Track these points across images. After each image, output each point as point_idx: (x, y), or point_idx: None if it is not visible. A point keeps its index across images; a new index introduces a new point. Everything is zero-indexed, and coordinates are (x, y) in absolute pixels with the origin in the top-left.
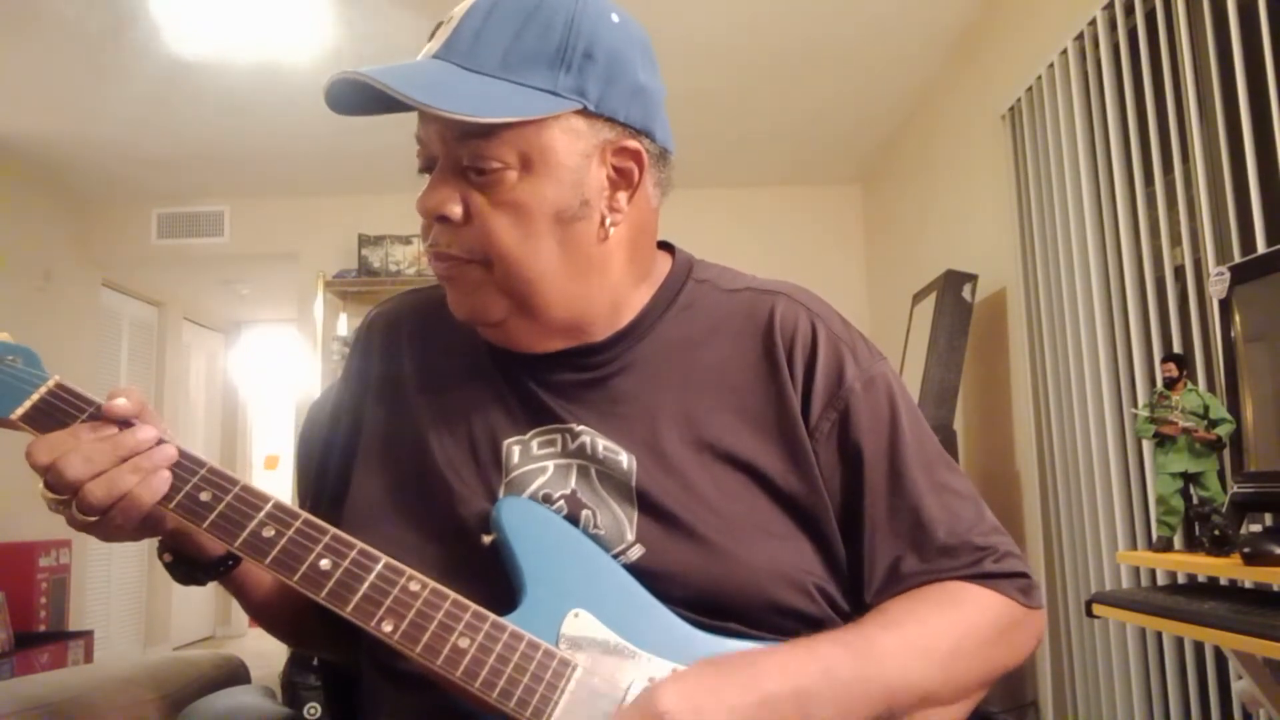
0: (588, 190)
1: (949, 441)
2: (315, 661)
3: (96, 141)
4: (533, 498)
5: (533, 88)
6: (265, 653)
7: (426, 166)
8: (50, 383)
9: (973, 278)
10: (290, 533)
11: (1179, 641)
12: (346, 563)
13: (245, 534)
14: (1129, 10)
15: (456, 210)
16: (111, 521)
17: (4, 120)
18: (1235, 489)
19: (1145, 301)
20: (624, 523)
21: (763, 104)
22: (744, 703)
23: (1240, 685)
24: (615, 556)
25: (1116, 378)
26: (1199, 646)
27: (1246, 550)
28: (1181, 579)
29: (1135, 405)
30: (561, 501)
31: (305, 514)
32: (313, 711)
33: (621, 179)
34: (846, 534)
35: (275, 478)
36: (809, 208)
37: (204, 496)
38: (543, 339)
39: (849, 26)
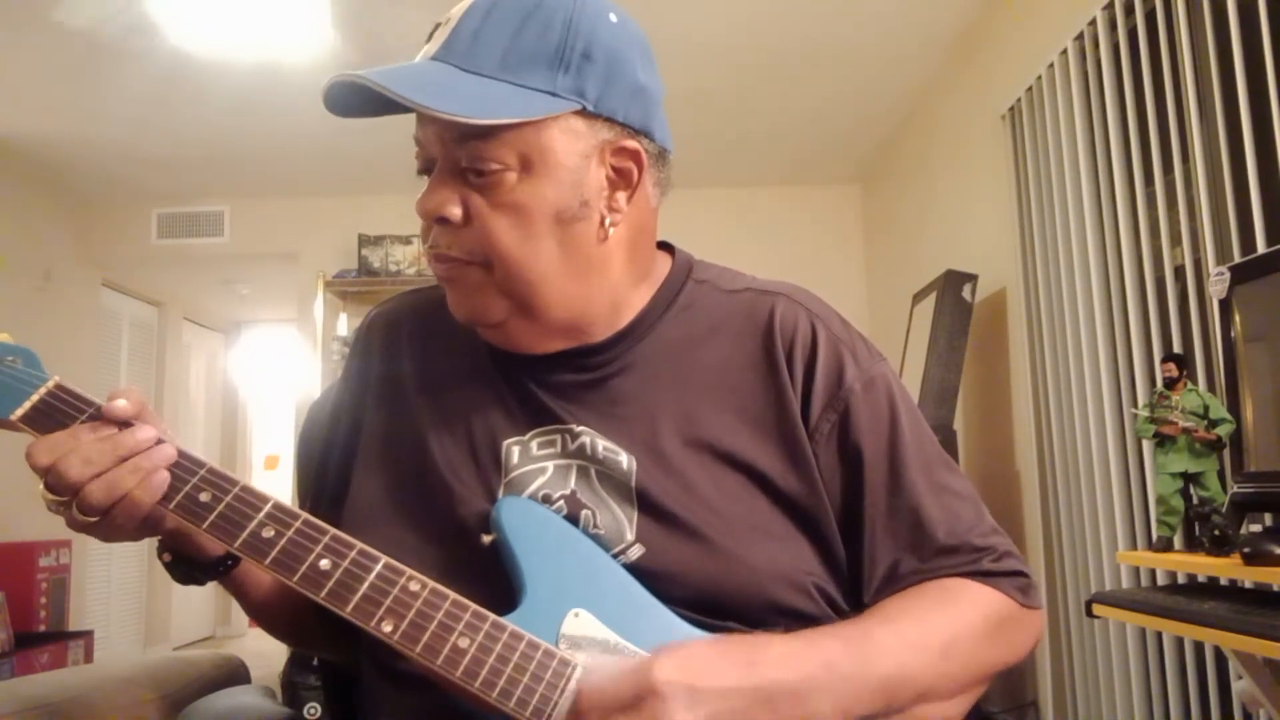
0: (587, 190)
1: (949, 441)
2: (315, 661)
3: (96, 141)
4: (532, 498)
5: (531, 88)
6: (265, 653)
7: (425, 168)
8: (50, 384)
9: (973, 278)
10: (290, 533)
11: (1179, 641)
12: (346, 563)
13: (245, 534)
14: (1129, 10)
15: (456, 212)
16: (112, 522)
17: (4, 120)
18: (1235, 489)
19: (1145, 301)
20: (624, 523)
21: (762, 104)
22: (740, 687)
23: (1240, 685)
24: (615, 556)
25: (1116, 378)
26: (1199, 646)
27: (1246, 550)
28: (1181, 579)
29: (1135, 405)
30: (561, 502)
31: (305, 514)
32: (313, 711)
33: (621, 179)
34: (846, 534)
35: (275, 478)
36: (809, 207)
37: (204, 497)
38: (543, 340)
39: (849, 26)
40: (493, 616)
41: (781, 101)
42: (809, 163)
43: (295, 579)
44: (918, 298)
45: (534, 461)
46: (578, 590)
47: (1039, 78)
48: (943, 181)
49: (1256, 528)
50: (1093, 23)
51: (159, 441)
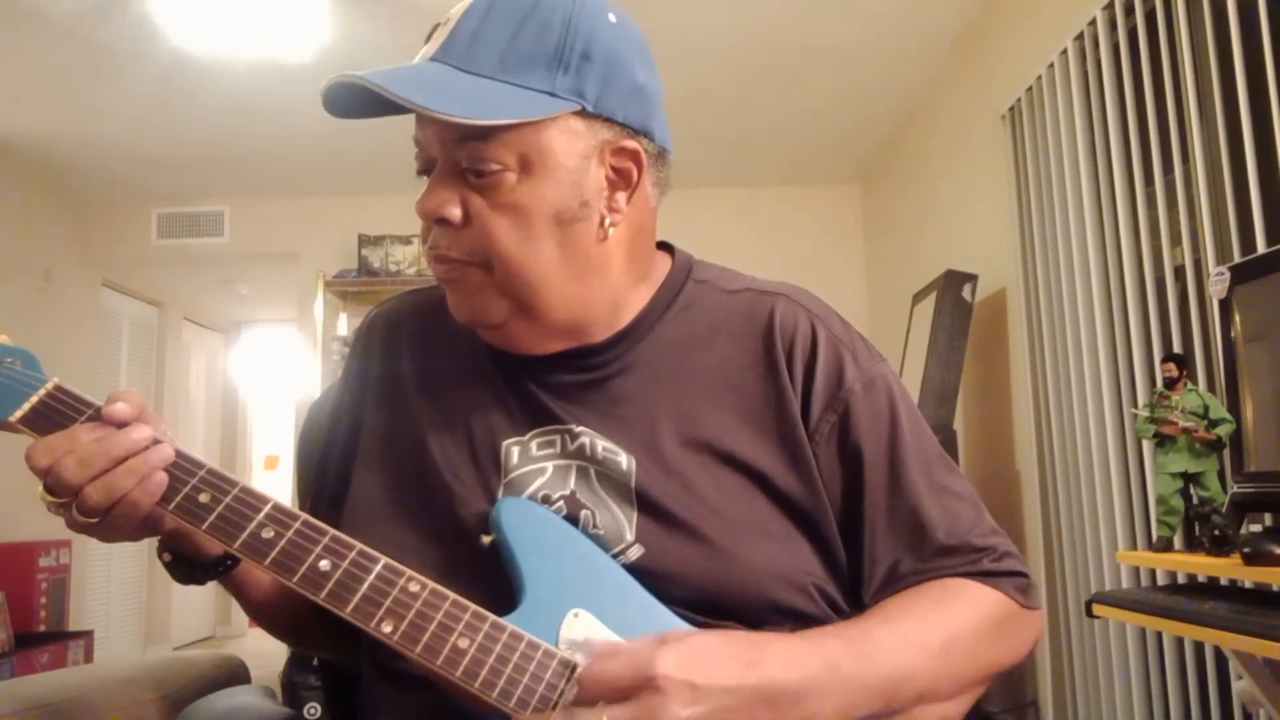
0: (587, 191)
1: (949, 441)
2: (315, 661)
3: (96, 141)
4: (532, 498)
5: (531, 89)
6: (265, 653)
7: (425, 169)
8: (49, 385)
9: (973, 278)
10: (289, 534)
11: (1179, 641)
12: (346, 564)
13: (245, 535)
14: (1129, 10)
15: (456, 212)
16: (111, 523)
17: (4, 120)
18: (1235, 489)
19: (1145, 301)
20: (623, 523)
21: (762, 104)
22: (741, 686)
23: (1240, 685)
24: (614, 557)
25: (1116, 378)
26: (1199, 646)
27: (1246, 550)
28: (1181, 579)
29: (1135, 405)
30: (560, 502)
31: (304, 515)
32: (313, 711)
33: (620, 179)
34: (846, 535)
35: (275, 478)
36: (808, 207)
37: (203, 498)
38: (543, 340)
39: (849, 26)
40: (492, 617)
41: (781, 101)
42: (809, 163)
43: (295, 580)
44: (918, 298)
45: (533, 462)
46: (577, 591)
47: (1039, 78)
48: (943, 181)
49: (1256, 528)
50: (1093, 23)
51: (156, 442)
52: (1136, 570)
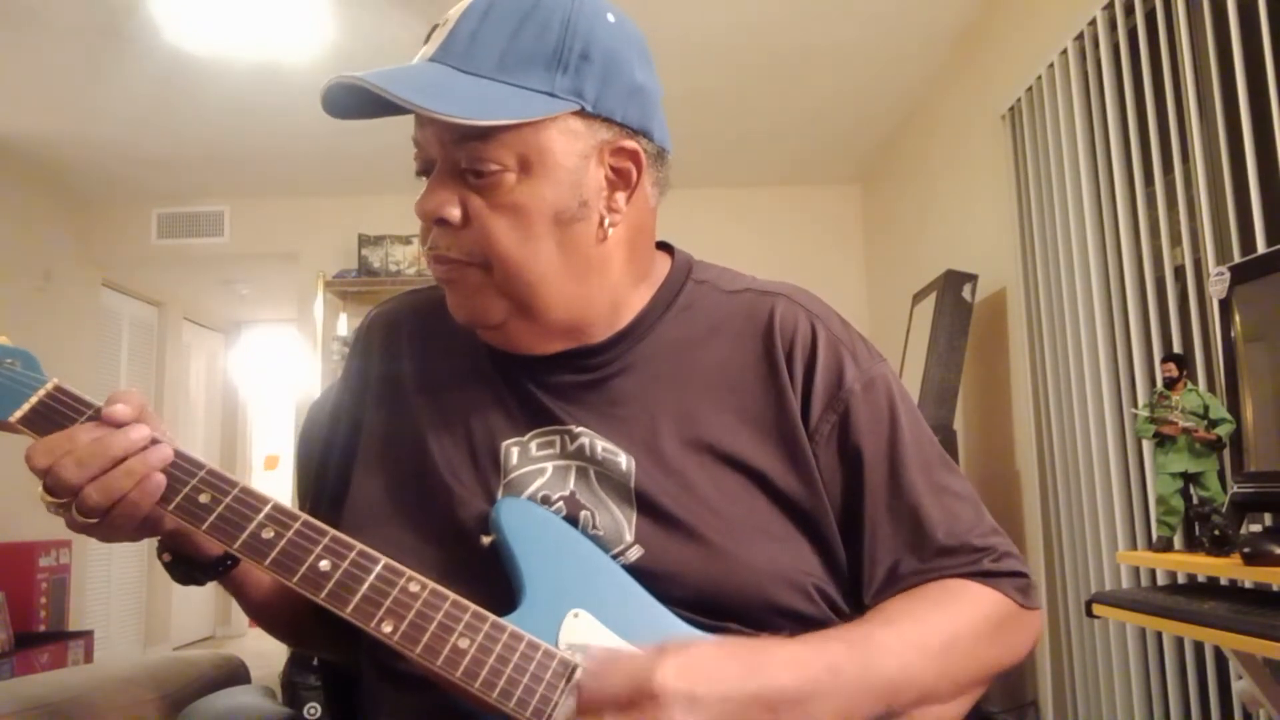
0: (586, 191)
1: (949, 441)
2: (315, 661)
3: (96, 141)
4: (531, 499)
5: (530, 89)
6: (265, 653)
7: (424, 169)
8: (49, 385)
9: (973, 278)
10: (289, 534)
11: (1179, 641)
12: (346, 564)
13: (245, 535)
14: (1129, 10)
15: (455, 213)
16: (111, 524)
17: (4, 120)
18: (1235, 489)
19: (1145, 301)
20: (623, 524)
21: (762, 104)
22: (742, 692)
23: (1240, 685)
24: (614, 557)
25: (1116, 378)
26: (1199, 646)
27: (1246, 550)
28: (1181, 579)
29: (1135, 405)
30: (560, 503)
31: (304, 515)
32: (313, 711)
33: (620, 179)
34: (846, 535)
35: (275, 478)
36: (808, 207)
37: (203, 498)
38: (542, 341)
39: (849, 26)
40: (493, 617)
41: (781, 101)
42: (809, 163)
43: (295, 580)
44: (918, 298)
45: (533, 462)
46: (577, 591)
47: (1039, 78)
48: (943, 181)
49: (1256, 528)
50: (1093, 23)
51: (154, 442)
52: (1136, 570)
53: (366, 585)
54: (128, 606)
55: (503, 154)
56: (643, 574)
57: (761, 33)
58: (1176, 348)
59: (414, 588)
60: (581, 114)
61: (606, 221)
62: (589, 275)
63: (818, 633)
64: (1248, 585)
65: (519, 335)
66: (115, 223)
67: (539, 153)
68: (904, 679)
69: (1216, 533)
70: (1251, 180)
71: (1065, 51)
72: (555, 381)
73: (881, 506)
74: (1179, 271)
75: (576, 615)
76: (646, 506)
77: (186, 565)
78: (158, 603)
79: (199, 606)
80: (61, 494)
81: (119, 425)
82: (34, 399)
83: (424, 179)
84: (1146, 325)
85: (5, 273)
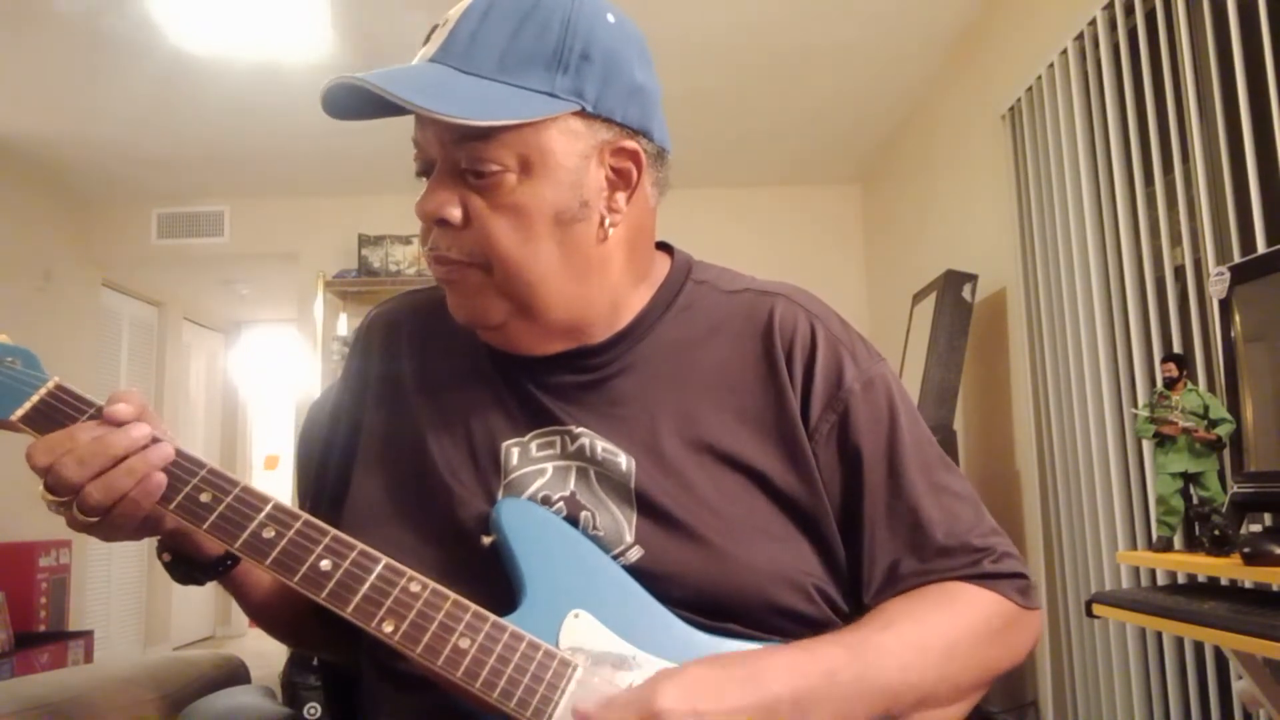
0: (586, 191)
1: (949, 441)
2: (315, 661)
3: (96, 141)
4: (531, 499)
5: (530, 89)
6: (265, 653)
7: (424, 170)
8: (50, 384)
9: (973, 278)
10: (290, 534)
11: (1179, 641)
12: (347, 564)
13: (245, 535)
14: (1129, 10)
15: (455, 213)
16: (112, 523)
17: (4, 120)
18: (1235, 489)
19: (1145, 301)
20: (623, 524)
21: (762, 104)
22: (744, 705)
23: (1240, 685)
24: (614, 558)
25: (1116, 378)
26: (1199, 646)
27: (1246, 550)
28: (1181, 579)
29: (1135, 405)
30: (560, 503)
31: (305, 515)
32: (313, 711)
33: (620, 179)
34: (845, 535)
35: (275, 478)
36: (808, 207)
37: (204, 498)
38: (542, 341)
39: (849, 26)
40: (493, 617)
41: (781, 101)
42: (809, 163)
43: (296, 579)
44: (918, 298)
45: (533, 463)
46: (577, 591)
47: (1039, 78)
48: (943, 181)
49: (1256, 528)
50: (1093, 23)
51: (155, 441)
52: (1136, 570)
53: (367, 585)
54: (128, 606)
55: (503, 154)
56: (643, 574)
57: (761, 33)
58: (1176, 348)
59: (415, 588)
60: (582, 114)
61: (607, 222)
62: (589, 275)
63: (816, 638)
64: (1248, 585)
65: (519, 336)
66: (115, 223)
67: (539, 153)
68: (903, 683)
69: (1216, 533)
70: (1251, 180)
71: (1065, 51)
72: (555, 382)
73: (881, 506)
74: (1179, 271)
75: (577, 616)
76: (646, 507)
77: (187, 565)
78: (158, 603)
79: (199, 606)
80: (62, 492)
81: (120, 424)
82: (35, 398)
83: (424, 180)
84: (1146, 325)
85: (5, 273)
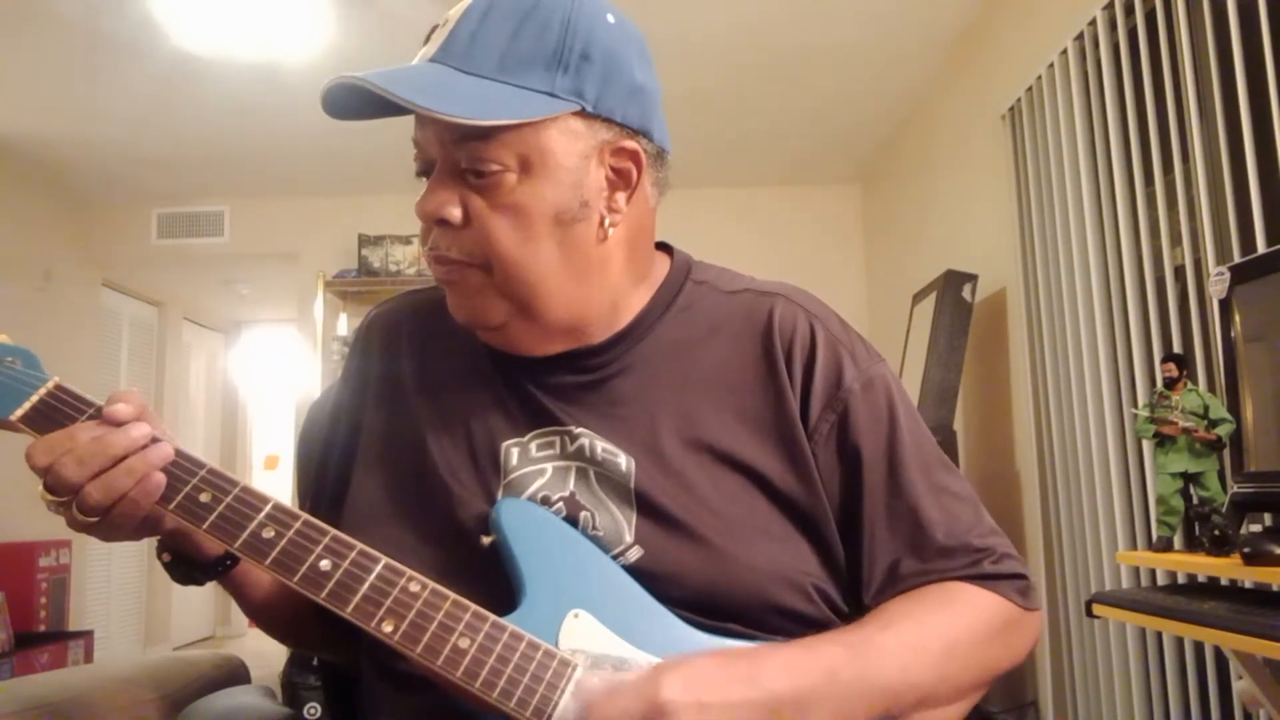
0: (587, 191)
1: (949, 442)
2: (315, 661)
3: (96, 141)
4: (531, 499)
5: (530, 89)
6: (265, 653)
7: (424, 170)
8: (50, 384)
9: (973, 278)
10: (290, 534)
11: (1179, 641)
12: (346, 563)
13: (245, 535)
14: (1129, 10)
15: (456, 213)
16: (111, 522)
17: (4, 120)
18: (1235, 489)
19: (1145, 301)
20: (623, 524)
21: (762, 104)
22: (747, 700)
23: (1240, 685)
24: (614, 558)
25: (1116, 378)
26: (1199, 646)
27: (1246, 550)
28: (1181, 579)
29: (1135, 405)
30: (560, 503)
31: (305, 515)
32: (313, 711)
33: (620, 179)
34: (845, 535)
35: (275, 478)
36: (808, 207)
37: (204, 498)
38: (542, 342)
39: (849, 26)
40: (493, 617)
41: (781, 101)
42: (809, 163)
43: (295, 579)
44: (918, 298)
45: (533, 463)
46: (577, 591)
47: (1039, 78)
48: (943, 181)
49: (1256, 528)
50: (1093, 23)
51: (155, 440)
52: (1136, 570)
53: (367, 585)
54: (128, 606)
55: (503, 154)
56: (642, 574)
57: (761, 33)
58: (1176, 348)
59: (414, 587)
60: (582, 114)
61: (607, 221)
62: (589, 275)
63: (816, 636)
64: (1248, 585)
65: (519, 336)
66: (115, 223)
67: (539, 153)
68: (903, 683)
69: (1216, 533)
70: (1251, 180)
71: (1065, 51)
72: (555, 382)
73: (880, 506)
74: (1179, 271)
75: (577, 616)
76: (646, 507)
77: (186, 565)
78: (158, 603)
79: (199, 606)
80: (62, 492)
81: (119, 424)
82: (35, 397)
83: (424, 180)
84: (1146, 325)
85: (5, 273)
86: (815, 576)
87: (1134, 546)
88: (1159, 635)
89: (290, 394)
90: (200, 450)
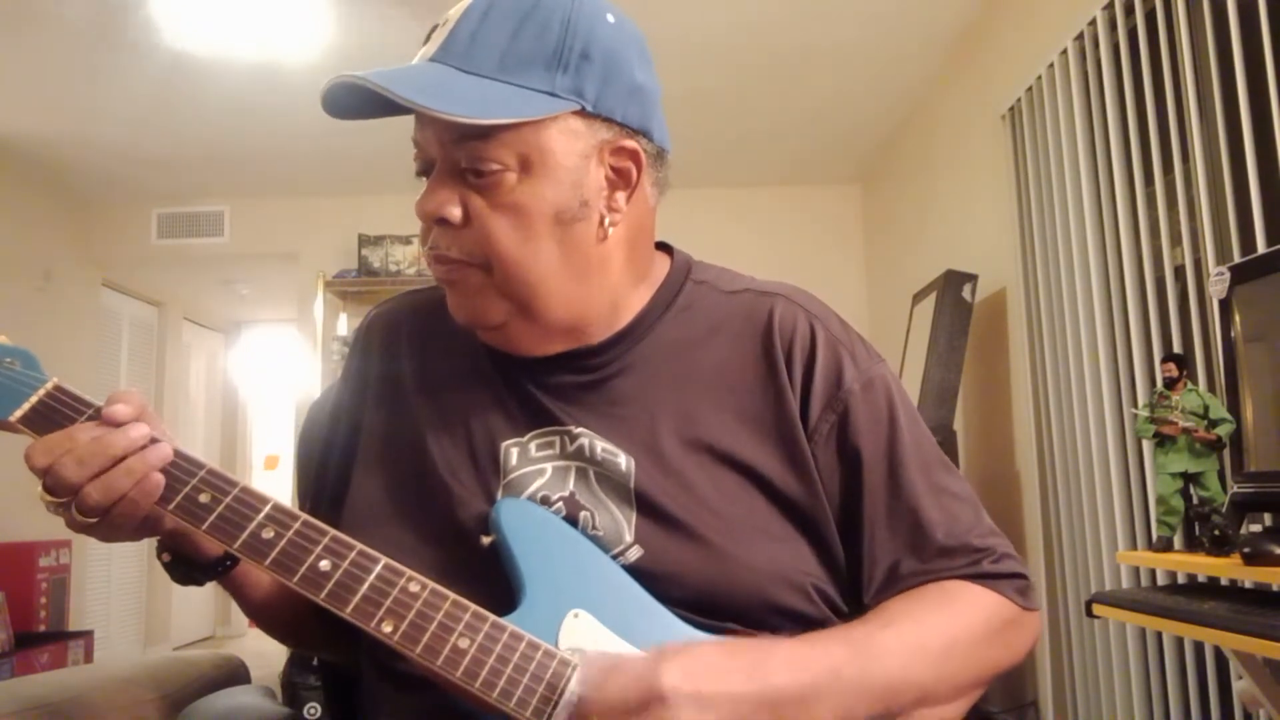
0: (586, 191)
1: (949, 442)
2: (315, 661)
3: (96, 141)
4: (531, 499)
5: (530, 89)
6: (265, 653)
7: (424, 169)
8: (49, 385)
9: (973, 278)
10: (290, 534)
11: (1179, 641)
12: (346, 564)
13: (245, 535)
14: (1129, 10)
15: (456, 213)
16: (111, 523)
17: (4, 120)
18: (1235, 489)
19: (1145, 301)
20: (622, 524)
21: (762, 104)
22: (747, 692)
23: (1240, 685)
24: (614, 558)
25: (1116, 378)
26: (1199, 646)
27: (1246, 550)
28: (1181, 579)
29: (1135, 405)
30: (560, 503)
31: (304, 515)
32: (313, 711)
33: (620, 179)
34: (845, 536)
35: (275, 478)
36: (808, 207)
37: (203, 498)
38: (542, 342)
39: (849, 26)
40: (492, 617)
41: (781, 101)
42: (809, 163)
43: (295, 580)
44: (918, 298)
45: (532, 463)
46: (577, 591)
47: (1039, 78)
48: (943, 181)
49: (1256, 528)
50: (1093, 23)
51: (154, 441)
52: (1136, 570)
53: (366, 585)
54: (128, 606)
55: (503, 153)
56: (642, 574)
57: (761, 33)
58: (1176, 348)
59: (414, 588)
60: (582, 114)
61: (607, 221)
62: (589, 275)
63: (818, 633)
64: (1248, 585)
65: (519, 336)
66: (115, 223)
67: (539, 152)
68: (904, 681)
69: (1216, 533)
70: (1251, 180)
71: (1065, 51)
72: (555, 382)
73: (880, 506)
74: (1179, 271)
75: (576, 615)
76: (646, 507)
77: (186, 565)
78: (158, 603)
79: (199, 606)
80: (61, 493)
81: (118, 424)
82: (34, 398)
83: (424, 179)
84: (1146, 325)
85: (5, 273)
86: (815, 576)
87: (1134, 546)
88: (1159, 635)
89: (290, 394)
90: (200, 450)
